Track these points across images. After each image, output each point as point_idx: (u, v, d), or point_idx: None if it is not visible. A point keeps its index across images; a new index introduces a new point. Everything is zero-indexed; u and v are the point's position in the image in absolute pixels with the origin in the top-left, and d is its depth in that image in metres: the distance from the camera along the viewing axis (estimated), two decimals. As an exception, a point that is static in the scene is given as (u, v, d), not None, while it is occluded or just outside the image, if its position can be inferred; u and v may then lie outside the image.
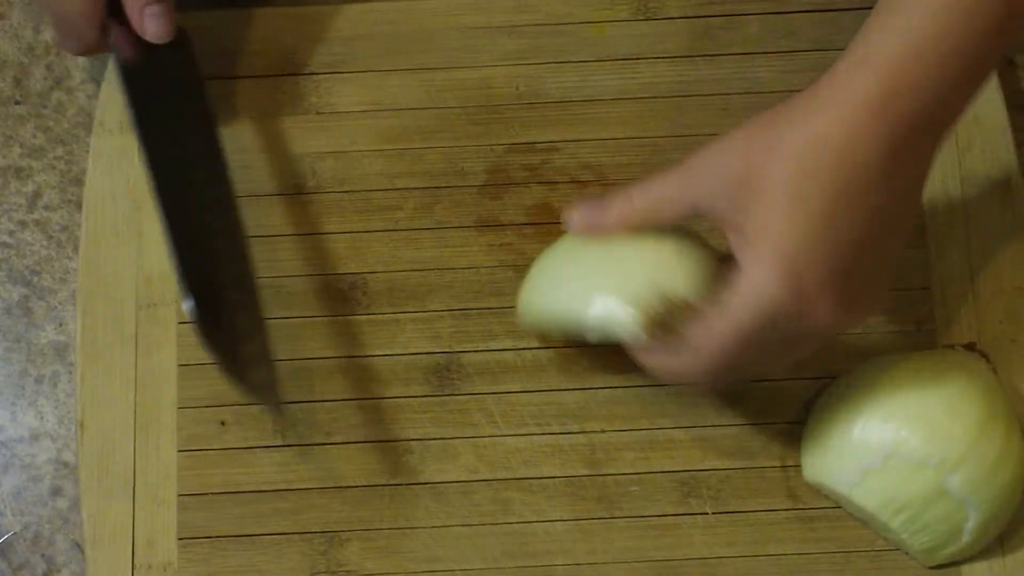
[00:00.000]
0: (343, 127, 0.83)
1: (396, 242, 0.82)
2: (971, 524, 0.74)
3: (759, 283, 0.67)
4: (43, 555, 0.80)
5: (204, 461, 0.79)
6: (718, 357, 0.69)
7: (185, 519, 0.78)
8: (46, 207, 0.84)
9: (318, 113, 0.84)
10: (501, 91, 0.84)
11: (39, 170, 0.85)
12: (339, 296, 0.81)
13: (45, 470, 0.81)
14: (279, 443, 0.79)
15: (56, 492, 0.80)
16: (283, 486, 0.79)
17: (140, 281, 0.81)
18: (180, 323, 0.80)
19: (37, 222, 0.84)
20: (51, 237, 0.84)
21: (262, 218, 0.82)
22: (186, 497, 0.78)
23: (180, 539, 0.78)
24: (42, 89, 0.86)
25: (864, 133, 0.66)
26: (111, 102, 0.83)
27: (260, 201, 0.82)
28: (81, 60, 0.86)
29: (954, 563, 0.77)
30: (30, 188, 0.84)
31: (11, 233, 0.84)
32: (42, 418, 0.81)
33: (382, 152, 0.83)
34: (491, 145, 0.83)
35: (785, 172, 0.67)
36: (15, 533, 0.80)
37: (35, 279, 0.83)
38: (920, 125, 0.67)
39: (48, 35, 0.86)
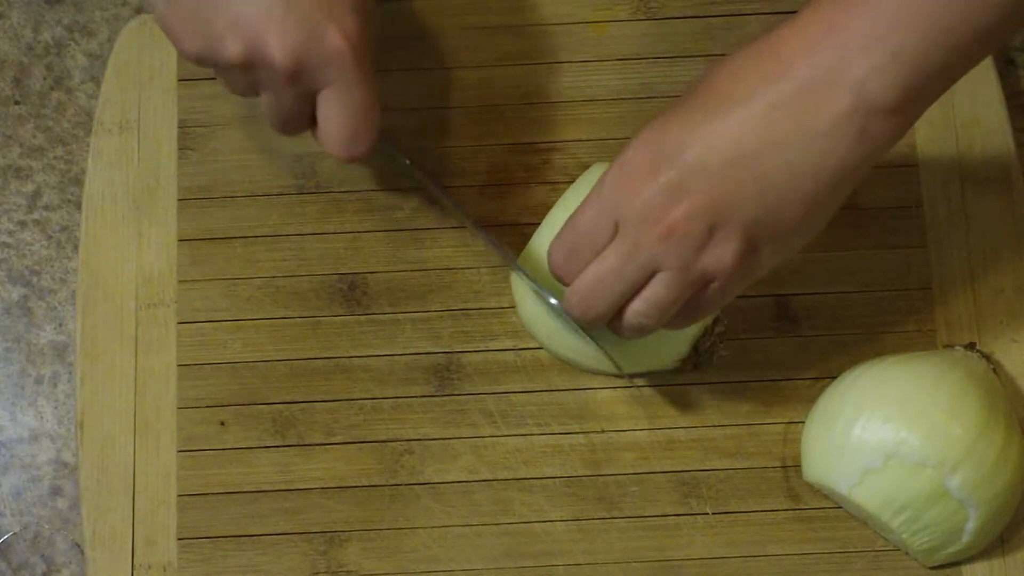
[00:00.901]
0: (343, 127, 0.83)
1: (396, 242, 0.82)
2: (971, 524, 0.74)
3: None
4: (43, 555, 0.80)
5: (204, 461, 0.79)
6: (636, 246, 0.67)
7: (185, 519, 0.78)
8: (46, 207, 0.84)
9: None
10: (501, 91, 0.84)
11: (39, 170, 0.85)
12: (339, 296, 0.81)
13: (45, 470, 0.81)
14: (279, 443, 0.79)
15: (56, 492, 0.80)
16: (283, 486, 0.79)
17: (140, 281, 0.81)
18: (180, 323, 0.80)
19: (37, 222, 0.84)
20: (51, 237, 0.84)
21: (262, 218, 0.82)
22: (186, 497, 0.78)
23: (180, 539, 0.78)
24: (42, 89, 0.86)
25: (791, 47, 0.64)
26: (111, 102, 0.83)
27: (260, 200, 0.82)
28: (81, 60, 0.86)
29: (954, 563, 0.77)
30: (30, 188, 0.84)
31: (11, 233, 0.84)
32: (42, 418, 0.81)
33: (381, 151, 0.83)
34: (491, 145, 0.83)
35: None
36: (15, 533, 0.80)
37: (35, 279, 0.83)
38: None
39: (48, 35, 0.86)
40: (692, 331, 0.77)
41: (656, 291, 0.68)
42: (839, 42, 0.63)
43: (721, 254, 0.66)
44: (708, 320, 0.77)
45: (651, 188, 0.66)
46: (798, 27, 0.65)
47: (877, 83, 0.63)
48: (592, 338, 0.74)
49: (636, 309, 0.69)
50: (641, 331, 0.70)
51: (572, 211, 0.70)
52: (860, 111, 0.63)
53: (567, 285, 0.70)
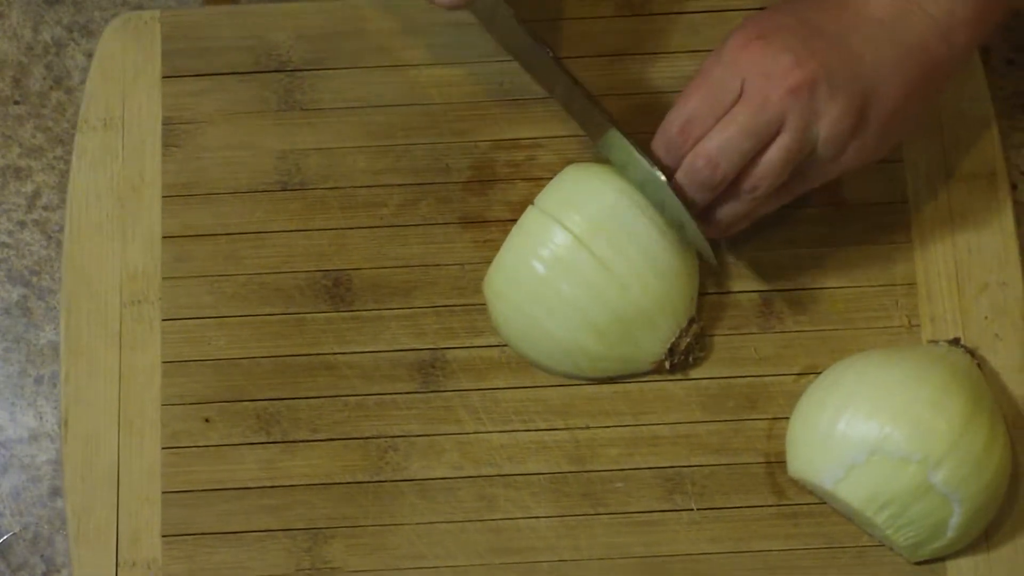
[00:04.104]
0: (328, 124, 0.83)
1: (381, 238, 0.82)
2: (956, 520, 0.74)
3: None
4: (42, 555, 0.80)
5: (188, 458, 0.79)
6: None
7: (169, 516, 0.78)
8: (45, 207, 0.84)
9: (303, 110, 0.83)
10: (486, 87, 0.84)
11: (38, 170, 0.85)
12: (324, 292, 0.81)
13: (44, 471, 0.81)
14: (263, 440, 0.79)
15: (55, 493, 0.80)
16: (267, 483, 0.79)
17: (124, 278, 0.81)
18: (164, 320, 0.80)
19: (36, 222, 0.84)
20: (50, 237, 0.84)
21: (246, 214, 0.82)
22: (170, 494, 0.78)
23: (164, 536, 0.78)
24: (41, 89, 0.86)
25: None
26: (95, 99, 0.83)
27: (244, 197, 0.82)
28: (80, 60, 0.86)
29: (939, 558, 0.77)
30: (29, 188, 0.84)
31: (10, 233, 0.84)
32: (41, 418, 0.81)
33: (367, 148, 0.83)
34: (476, 141, 0.83)
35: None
36: (14, 534, 0.80)
37: (34, 279, 0.83)
38: None
39: (47, 35, 0.86)
40: (667, 333, 0.77)
41: (781, 145, 0.72)
42: None
43: (838, 114, 0.72)
44: (683, 321, 0.78)
45: (779, 46, 0.72)
46: None
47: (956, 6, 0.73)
48: (682, 223, 0.76)
49: (760, 172, 0.73)
50: (754, 200, 0.74)
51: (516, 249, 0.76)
52: (947, 18, 0.73)
53: (681, 154, 0.74)
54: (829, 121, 0.72)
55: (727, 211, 0.75)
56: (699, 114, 0.73)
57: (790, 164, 0.73)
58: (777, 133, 0.72)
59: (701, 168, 0.73)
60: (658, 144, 0.75)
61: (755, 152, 0.72)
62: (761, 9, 0.75)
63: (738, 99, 0.72)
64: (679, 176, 0.74)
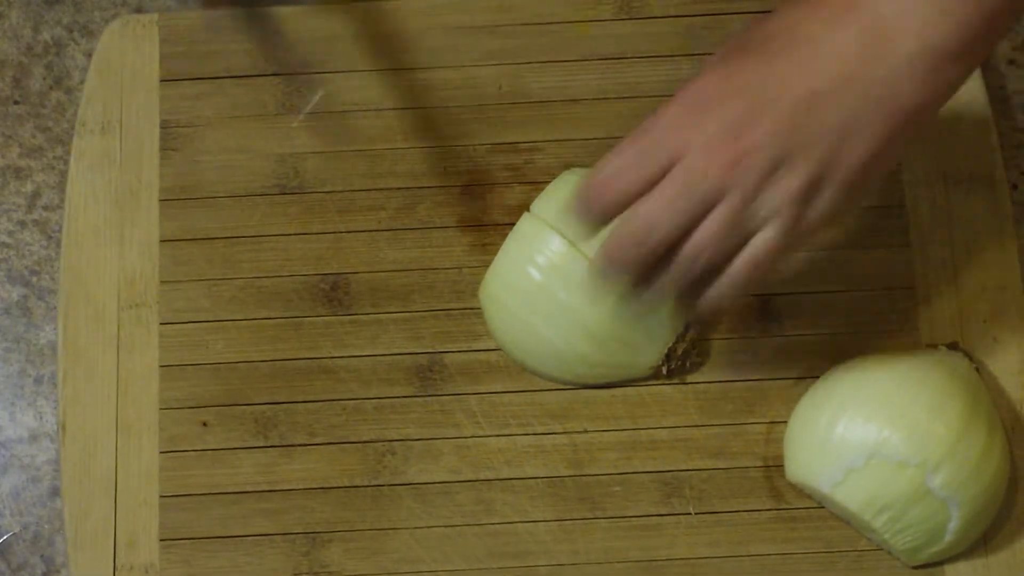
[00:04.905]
0: (325, 127, 0.83)
1: (379, 242, 0.82)
2: (954, 523, 0.74)
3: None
4: (42, 556, 0.80)
5: (186, 462, 0.79)
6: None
7: (167, 520, 0.78)
8: (45, 207, 0.84)
9: (300, 113, 0.83)
10: (484, 91, 0.84)
11: (38, 170, 0.85)
12: (321, 296, 0.81)
13: (44, 471, 0.81)
14: (261, 444, 0.79)
15: (55, 493, 0.80)
16: (265, 487, 0.78)
17: (122, 282, 0.81)
18: (162, 324, 0.80)
19: (36, 222, 0.84)
20: (50, 237, 0.83)
21: (244, 218, 0.82)
22: (168, 498, 0.78)
23: (162, 540, 0.78)
24: (41, 89, 0.86)
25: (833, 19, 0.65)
26: (93, 102, 0.83)
27: (242, 201, 0.82)
28: (80, 60, 0.86)
29: (937, 563, 0.77)
30: (29, 188, 0.84)
31: (10, 233, 0.84)
32: (41, 419, 0.81)
33: (364, 152, 0.83)
34: (474, 145, 0.83)
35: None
36: (14, 534, 0.80)
37: (34, 279, 0.83)
38: (900, 39, 0.64)
39: (47, 35, 0.86)
40: (664, 338, 0.77)
41: (715, 220, 0.66)
42: None
43: (785, 186, 0.65)
44: (680, 326, 0.78)
45: (720, 117, 0.65)
46: None
47: (941, 27, 0.64)
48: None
49: (696, 239, 0.66)
50: (687, 274, 0.67)
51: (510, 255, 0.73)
52: (925, 55, 0.64)
53: (599, 219, 0.67)
54: (776, 191, 0.65)
55: (674, 275, 0.68)
56: (628, 173, 0.66)
57: (725, 236, 0.66)
58: (712, 208, 0.65)
59: (628, 235, 0.66)
60: (585, 200, 0.67)
61: (686, 228, 0.66)
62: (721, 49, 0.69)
63: (674, 164, 0.66)
64: (608, 240, 0.67)
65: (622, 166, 0.66)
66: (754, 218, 0.66)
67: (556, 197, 0.77)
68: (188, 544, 0.78)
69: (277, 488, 0.78)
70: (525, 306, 0.76)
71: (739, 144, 0.65)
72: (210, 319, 0.81)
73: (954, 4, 0.64)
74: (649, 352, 0.77)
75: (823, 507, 0.78)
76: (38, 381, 0.82)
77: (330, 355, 0.80)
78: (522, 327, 0.77)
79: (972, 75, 0.67)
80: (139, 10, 0.87)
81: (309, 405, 0.80)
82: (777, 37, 0.66)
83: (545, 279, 0.76)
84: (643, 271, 0.68)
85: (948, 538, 0.75)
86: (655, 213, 0.66)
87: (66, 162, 0.84)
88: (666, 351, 0.78)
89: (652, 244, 0.66)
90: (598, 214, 0.67)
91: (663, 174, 0.66)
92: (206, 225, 0.82)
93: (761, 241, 0.66)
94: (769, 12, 0.68)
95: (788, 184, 0.65)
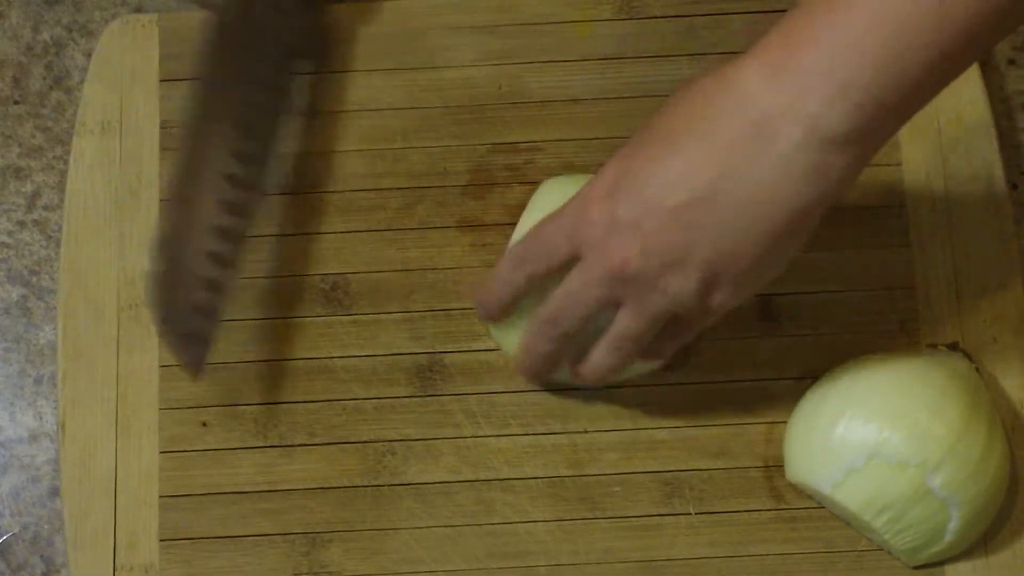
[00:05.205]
0: (325, 127, 0.83)
1: (378, 242, 0.82)
2: (954, 524, 0.74)
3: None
4: (42, 556, 0.80)
5: (186, 462, 0.79)
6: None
7: (167, 520, 0.78)
8: (45, 207, 0.84)
9: (300, 114, 0.83)
10: (484, 91, 0.84)
11: (38, 170, 0.84)
12: (321, 296, 0.81)
13: (44, 471, 0.81)
14: (261, 444, 0.79)
15: (55, 493, 0.80)
16: (265, 487, 0.78)
17: (122, 282, 0.81)
18: (162, 324, 0.80)
19: (36, 222, 0.84)
20: (50, 237, 0.83)
21: (244, 218, 0.82)
22: (168, 498, 0.78)
23: (162, 540, 0.78)
24: (41, 89, 0.86)
25: (749, 71, 0.64)
26: (93, 102, 0.83)
27: (242, 201, 0.82)
28: (80, 60, 0.86)
29: (937, 563, 0.77)
30: (29, 188, 0.84)
31: (10, 233, 0.84)
32: (41, 419, 0.81)
33: (364, 152, 0.83)
34: (474, 145, 0.83)
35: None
36: (14, 534, 0.80)
37: (34, 279, 0.83)
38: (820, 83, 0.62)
39: (47, 35, 0.86)
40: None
41: (621, 322, 0.70)
42: (792, 76, 0.63)
43: (677, 292, 0.67)
44: None
45: (608, 222, 0.67)
46: (756, 58, 0.64)
47: (828, 115, 0.62)
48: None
49: (608, 339, 0.71)
50: (612, 368, 0.72)
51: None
52: (812, 143, 0.63)
53: (513, 287, 0.73)
54: (668, 296, 0.67)
55: (596, 370, 0.73)
56: (534, 258, 0.71)
57: (639, 335, 0.70)
58: (619, 303, 0.69)
59: (545, 323, 0.72)
60: (498, 279, 0.74)
61: (590, 317, 0.70)
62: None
63: (568, 259, 0.70)
64: (527, 329, 0.74)
65: (533, 253, 0.71)
66: (656, 317, 0.69)
67: (548, 202, 0.77)
68: (188, 544, 0.78)
69: (277, 488, 0.78)
70: (522, 308, 0.76)
71: (624, 251, 0.67)
72: (210, 319, 0.81)
73: (838, 92, 0.62)
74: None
75: (823, 507, 0.78)
76: (38, 381, 0.82)
77: (330, 355, 0.80)
78: (520, 329, 0.77)
79: (866, 166, 0.65)
80: (139, 10, 0.87)
81: (309, 405, 0.79)
82: (674, 128, 0.66)
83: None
84: (553, 348, 0.73)
85: (948, 538, 0.75)
86: (562, 307, 0.71)
87: (66, 162, 0.84)
88: None
89: (562, 329, 0.72)
90: (487, 317, 0.75)
91: (553, 270, 0.70)
92: (206, 225, 0.82)
93: (669, 334, 0.72)
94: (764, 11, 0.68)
95: (678, 290, 0.67)
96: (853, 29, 0.62)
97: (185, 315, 0.75)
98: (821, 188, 0.64)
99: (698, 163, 0.65)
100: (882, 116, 0.63)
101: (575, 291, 0.70)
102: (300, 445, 0.79)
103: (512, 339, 0.77)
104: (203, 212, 0.75)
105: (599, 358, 0.72)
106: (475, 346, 0.80)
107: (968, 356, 0.79)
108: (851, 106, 0.62)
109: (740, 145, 0.63)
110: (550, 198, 0.76)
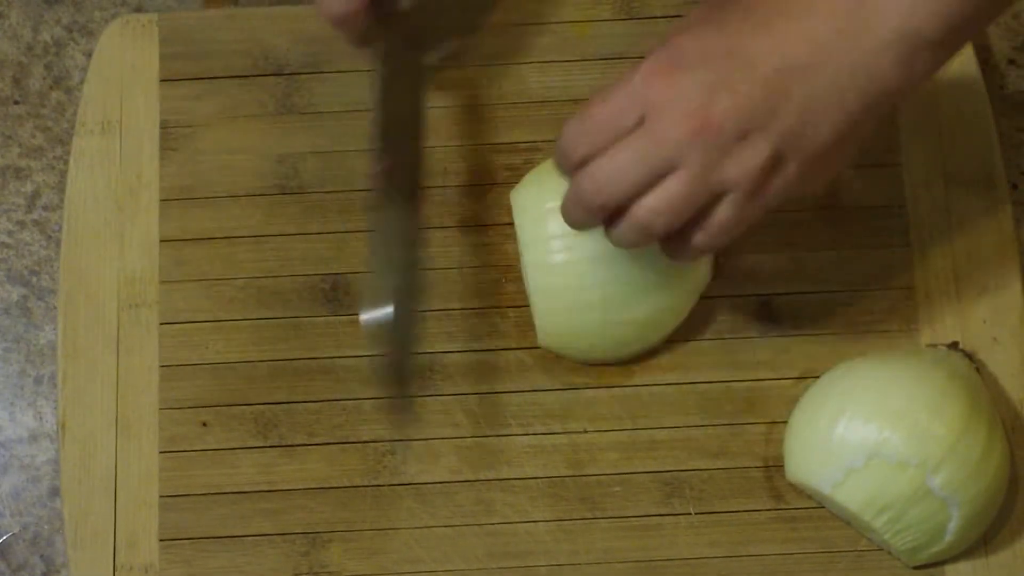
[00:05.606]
0: (325, 127, 0.83)
1: (378, 242, 0.82)
2: (954, 524, 0.74)
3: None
4: (42, 556, 0.80)
5: (186, 462, 0.79)
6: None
7: (167, 520, 0.78)
8: (45, 207, 0.84)
9: (301, 113, 0.83)
10: (484, 91, 0.84)
11: (38, 170, 0.85)
12: (321, 296, 0.81)
13: (44, 471, 0.81)
14: (261, 444, 0.79)
15: (55, 493, 0.80)
16: (265, 487, 0.78)
17: (122, 282, 0.81)
18: (162, 324, 0.80)
19: (36, 222, 0.84)
20: (50, 237, 0.84)
21: (244, 218, 0.82)
22: (168, 498, 0.78)
23: (162, 540, 0.78)
24: (41, 89, 0.86)
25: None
26: (92, 102, 0.83)
27: (242, 201, 0.82)
28: (80, 60, 0.86)
29: (937, 563, 0.77)
30: (29, 188, 0.84)
31: (10, 233, 0.84)
32: (41, 419, 0.81)
33: (365, 152, 0.83)
34: (474, 145, 0.83)
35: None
36: (14, 534, 0.80)
37: (34, 279, 0.83)
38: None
39: (47, 35, 0.86)
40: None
41: (672, 187, 0.66)
42: None
43: (748, 158, 0.65)
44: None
45: (692, 80, 0.65)
46: None
47: (921, 14, 0.64)
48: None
49: (648, 204, 0.66)
50: (644, 233, 0.67)
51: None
52: (905, 38, 0.64)
53: (572, 170, 0.68)
54: (738, 163, 0.65)
55: (628, 234, 0.68)
56: (597, 129, 0.67)
57: (686, 204, 0.66)
58: (673, 171, 0.66)
59: (586, 188, 0.67)
60: (561, 146, 0.69)
61: (645, 185, 0.66)
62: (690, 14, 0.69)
63: (637, 127, 0.66)
64: (567, 194, 0.69)
65: (592, 124, 0.67)
66: (711, 189, 0.66)
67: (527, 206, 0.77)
68: (188, 544, 0.78)
69: (277, 488, 0.78)
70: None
71: (705, 113, 0.65)
72: (210, 319, 0.81)
73: None
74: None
75: (823, 507, 0.78)
76: (38, 381, 0.82)
77: (330, 355, 0.80)
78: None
79: (955, 59, 0.67)
80: (139, 10, 0.87)
81: (309, 405, 0.79)
82: (761, 4, 0.66)
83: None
84: (595, 218, 0.68)
85: (948, 538, 0.75)
86: (610, 172, 0.66)
87: (66, 162, 0.84)
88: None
89: (601, 201, 0.67)
90: (567, 170, 0.69)
91: (630, 131, 0.66)
92: (206, 225, 0.82)
93: (716, 216, 0.67)
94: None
95: (749, 158, 0.65)
96: None
97: (399, 357, 0.73)
98: (904, 78, 0.65)
99: (794, 36, 0.65)
100: (969, 16, 0.65)
101: (640, 154, 0.66)
102: (300, 445, 0.79)
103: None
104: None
105: (639, 214, 0.67)
106: (475, 346, 0.80)
107: (968, 356, 0.79)
108: (939, 11, 0.64)
109: (837, 27, 0.64)
110: (532, 193, 0.77)
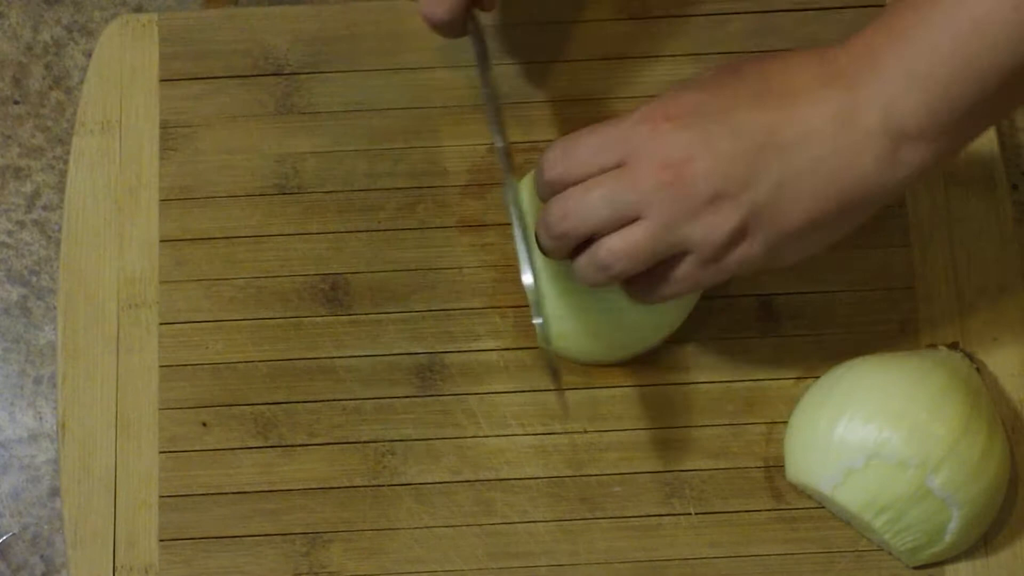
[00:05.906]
0: (325, 127, 0.83)
1: (378, 242, 0.82)
2: (954, 524, 0.74)
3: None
4: (42, 556, 0.80)
5: (185, 462, 0.79)
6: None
7: (167, 520, 0.78)
8: (45, 207, 0.84)
9: (300, 113, 0.83)
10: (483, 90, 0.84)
11: (38, 170, 0.85)
12: (321, 296, 0.81)
13: (44, 471, 0.81)
14: (261, 444, 0.79)
15: (55, 493, 0.80)
16: (265, 487, 0.78)
17: (121, 282, 0.81)
18: (162, 324, 0.80)
19: (36, 222, 0.84)
20: (50, 237, 0.83)
21: (244, 218, 0.82)
22: (168, 498, 0.78)
23: (161, 540, 0.78)
24: (41, 89, 0.86)
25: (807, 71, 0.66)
26: (92, 102, 0.83)
27: (242, 201, 0.82)
28: (80, 60, 0.86)
29: (937, 563, 0.77)
30: (29, 188, 0.84)
31: (10, 233, 0.84)
32: (41, 419, 0.81)
33: (364, 152, 0.83)
34: (473, 145, 0.83)
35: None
36: (14, 534, 0.80)
37: (34, 279, 0.83)
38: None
39: (47, 35, 0.86)
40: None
41: (635, 234, 0.67)
42: (878, 67, 0.65)
43: (713, 224, 0.66)
44: None
45: (678, 134, 0.66)
46: (848, 47, 0.66)
47: (903, 107, 0.64)
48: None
49: (609, 245, 0.67)
50: (603, 272, 0.68)
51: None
52: (888, 133, 0.65)
53: (546, 194, 0.69)
54: (703, 226, 0.66)
55: (588, 271, 0.69)
56: (574, 162, 0.68)
57: (645, 253, 0.67)
58: (639, 218, 0.67)
59: (554, 214, 0.68)
60: (543, 162, 0.70)
61: (611, 225, 0.67)
62: (720, 61, 0.71)
63: (616, 168, 0.67)
64: (539, 217, 0.70)
65: (575, 154, 0.68)
66: (672, 245, 0.67)
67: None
68: (188, 544, 0.78)
69: (277, 488, 0.78)
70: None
71: (681, 168, 0.66)
72: (210, 319, 0.81)
73: (915, 87, 0.64)
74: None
75: (823, 507, 0.78)
76: (38, 381, 0.82)
77: (330, 355, 0.80)
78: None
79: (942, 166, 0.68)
80: (139, 10, 0.87)
81: (309, 405, 0.79)
82: (765, 81, 0.67)
83: None
84: (556, 247, 0.70)
85: (948, 538, 0.75)
86: (577, 204, 0.68)
87: (66, 162, 0.84)
88: None
89: (564, 229, 0.68)
90: (541, 193, 0.70)
91: (607, 170, 0.67)
92: (206, 225, 0.82)
93: (677, 271, 0.68)
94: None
95: (714, 224, 0.66)
96: (934, 26, 0.64)
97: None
98: (886, 177, 0.66)
99: (787, 116, 0.66)
100: (957, 116, 0.64)
101: (609, 193, 0.67)
102: (300, 445, 0.79)
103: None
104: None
105: (600, 253, 0.68)
106: (475, 346, 0.80)
107: (968, 356, 0.79)
108: (925, 100, 0.64)
109: (826, 114, 0.65)
110: (532, 193, 0.77)
